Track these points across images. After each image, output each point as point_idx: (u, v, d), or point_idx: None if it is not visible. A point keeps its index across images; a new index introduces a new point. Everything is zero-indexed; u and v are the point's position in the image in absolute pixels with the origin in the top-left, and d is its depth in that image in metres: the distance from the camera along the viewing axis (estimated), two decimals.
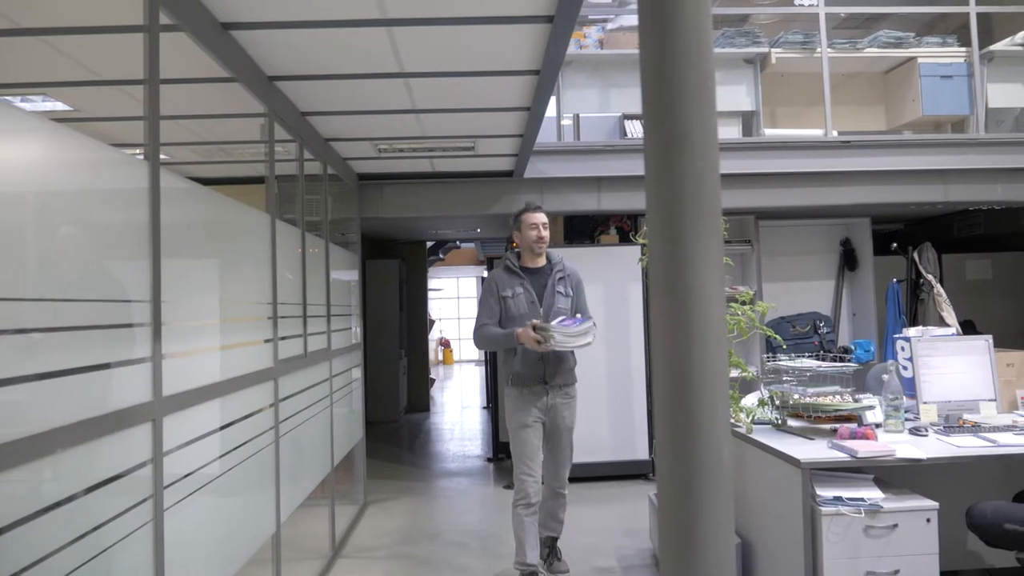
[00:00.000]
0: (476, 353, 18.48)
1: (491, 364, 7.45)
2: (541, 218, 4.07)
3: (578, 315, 4.09)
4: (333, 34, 3.02)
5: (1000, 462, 3.27)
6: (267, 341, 3.30)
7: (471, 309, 19.50)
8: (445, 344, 19.25)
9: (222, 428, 2.67)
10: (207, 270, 2.71)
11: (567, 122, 6.19)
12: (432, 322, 15.01)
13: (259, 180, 3.64)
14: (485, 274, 9.52)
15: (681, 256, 1.21)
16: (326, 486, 4.50)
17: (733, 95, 6.05)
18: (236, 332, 2.98)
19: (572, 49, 5.92)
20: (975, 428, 3.53)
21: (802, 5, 6.27)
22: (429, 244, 11.73)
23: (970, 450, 3.18)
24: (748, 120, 6.11)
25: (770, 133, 6.02)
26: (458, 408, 11.42)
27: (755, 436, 3.58)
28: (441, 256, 13.51)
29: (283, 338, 3.51)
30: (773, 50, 5.94)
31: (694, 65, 1.22)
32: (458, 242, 13.00)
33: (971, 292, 8.04)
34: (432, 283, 15.35)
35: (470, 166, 5.65)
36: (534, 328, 3.82)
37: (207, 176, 5.21)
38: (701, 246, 1.22)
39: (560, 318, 3.99)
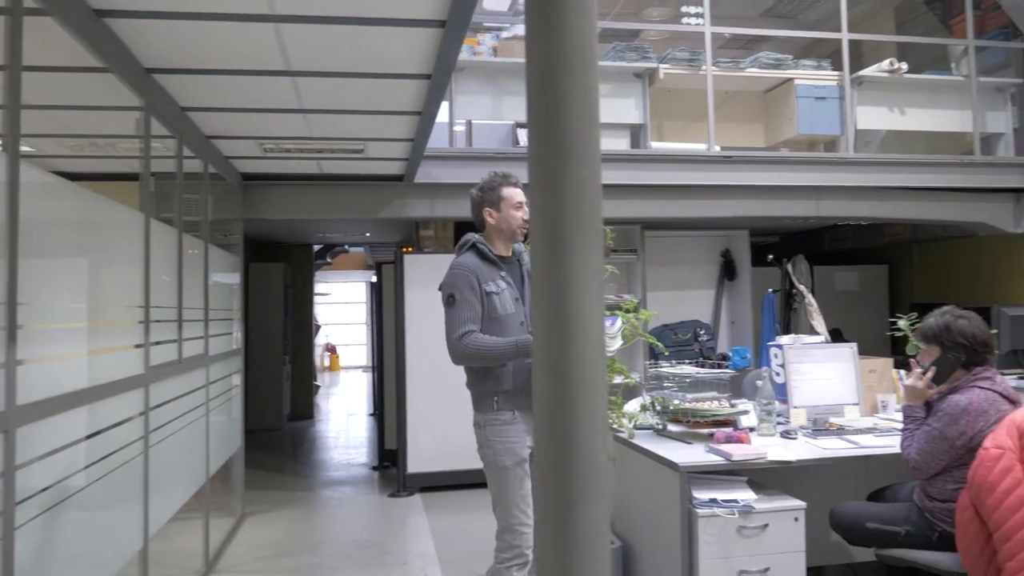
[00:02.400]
0: (364, 359, 18.18)
1: (379, 371, 7.34)
2: (522, 196, 3.24)
3: None
4: (217, 27, 2.91)
5: (861, 462, 3.45)
6: (138, 346, 3.13)
7: (359, 314, 19.20)
8: (331, 350, 18.87)
9: (85, 439, 2.51)
10: (72, 271, 2.55)
11: (459, 128, 6.18)
12: (318, 327, 14.68)
13: (134, 177, 3.46)
14: (374, 279, 9.38)
15: (562, 263, 1.21)
16: (201, 498, 4.32)
17: (622, 108, 6.19)
18: (103, 337, 2.81)
19: (466, 55, 5.92)
20: (840, 431, 3.73)
21: (689, 24, 6.49)
22: (316, 248, 11.48)
23: (834, 452, 3.36)
24: (636, 133, 6.26)
25: (657, 146, 6.20)
26: (344, 415, 11.21)
27: (637, 441, 3.66)
28: (329, 260, 13.24)
29: (156, 343, 3.34)
30: (661, 66, 6.12)
31: (578, 74, 1.22)
32: (346, 246, 12.77)
33: (839, 302, 8.52)
34: (319, 287, 15.02)
35: (359, 169, 5.55)
36: None
37: (77, 171, 4.91)
38: (582, 253, 1.23)
39: None
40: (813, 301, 6.63)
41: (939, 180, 6.41)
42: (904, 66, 6.41)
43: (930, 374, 3.08)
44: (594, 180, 1.27)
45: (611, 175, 5.86)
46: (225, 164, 5.16)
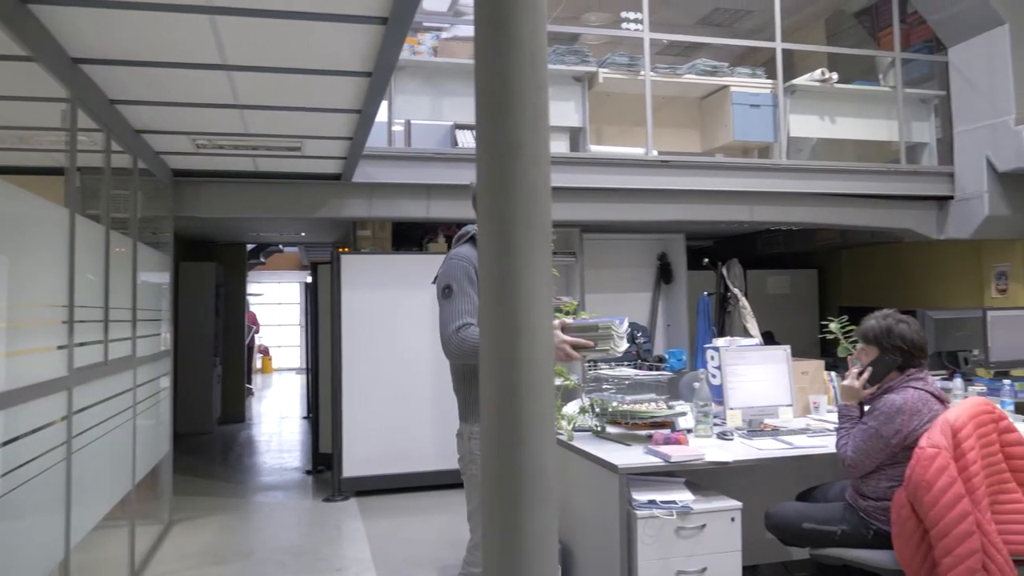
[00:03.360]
0: (297, 360, 17.87)
1: (314, 373, 7.21)
2: None
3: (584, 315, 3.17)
4: (149, 17, 2.80)
5: (795, 462, 3.52)
6: (60, 348, 3.00)
7: (293, 316, 18.88)
8: (263, 352, 18.49)
9: (1, 445, 2.39)
10: None
11: (398, 127, 6.12)
12: (256, 329, 14.39)
13: (59, 172, 3.32)
14: (309, 279, 9.22)
15: (512, 264, 1.19)
16: (126, 505, 4.16)
17: (562, 111, 6.22)
18: (23, 338, 2.68)
19: (406, 55, 5.86)
20: (774, 431, 3.80)
21: (628, 29, 6.56)
22: (250, 247, 11.24)
23: (769, 452, 3.42)
24: (575, 136, 6.30)
25: (596, 149, 6.24)
26: (277, 418, 10.99)
27: (576, 443, 3.66)
28: (262, 260, 12.98)
29: (80, 344, 3.20)
30: (601, 70, 6.17)
31: (528, 74, 1.21)
32: (281, 246, 12.53)
33: (771, 305, 8.72)
34: (252, 288, 14.71)
35: (296, 167, 5.44)
36: (563, 329, 2.71)
37: None
38: (532, 255, 1.21)
39: (588, 316, 3.06)
40: (747, 304, 6.77)
41: (867, 187, 6.62)
42: (835, 76, 6.60)
43: (867, 374, 3.16)
44: (544, 182, 1.26)
45: (552, 177, 5.85)
46: (156, 160, 4.99)
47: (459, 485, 6.14)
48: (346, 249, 6.55)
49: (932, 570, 2.76)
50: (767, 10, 7.15)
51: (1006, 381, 4.30)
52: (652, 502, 3.17)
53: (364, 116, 4.06)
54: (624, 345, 2.69)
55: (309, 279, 9.43)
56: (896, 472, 2.99)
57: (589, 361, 3.42)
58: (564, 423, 3.91)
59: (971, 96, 6.56)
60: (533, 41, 1.22)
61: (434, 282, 3.12)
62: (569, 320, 2.77)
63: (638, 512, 3.12)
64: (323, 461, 6.84)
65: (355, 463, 6.05)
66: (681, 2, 7.72)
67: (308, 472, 7.10)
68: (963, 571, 2.64)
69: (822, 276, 9.44)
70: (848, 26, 7.81)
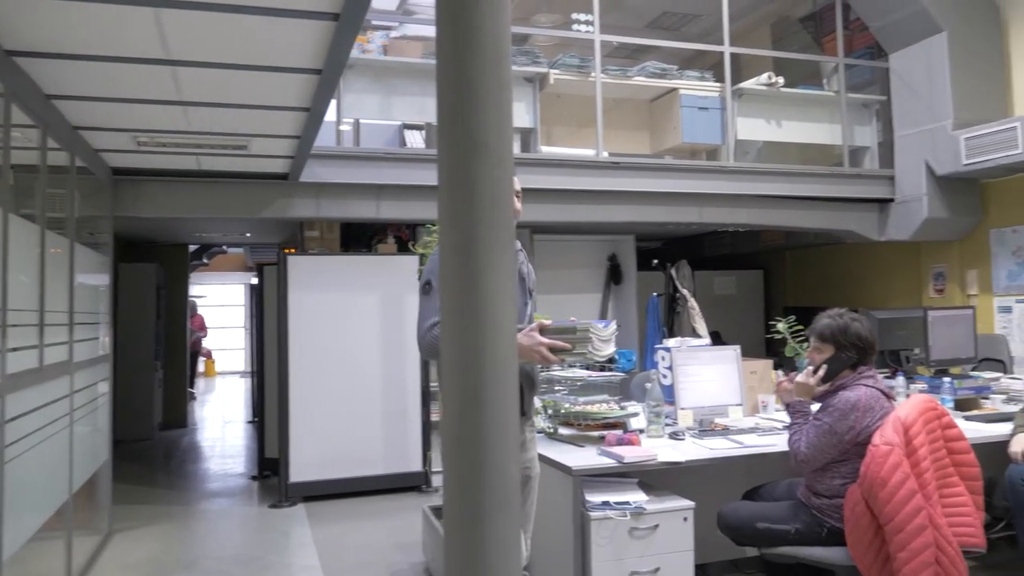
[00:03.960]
0: (242, 363, 17.54)
1: (259, 376, 7.06)
2: (517, 185, 2.85)
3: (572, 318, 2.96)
4: (89, 9, 2.69)
5: (745, 461, 3.56)
6: None
7: (237, 318, 18.51)
8: (207, 355, 18.08)
9: None
10: None
11: (346, 127, 6.03)
12: (203, 333, 14.06)
13: None
14: (254, 281, 9.04)
15: (475, 265, 1.16)
16: (63, 516, 4.00)
17: (514, 111, 6.19)
18: None
19: (355, 53, 5.77)
20: (725, 431, 3.83)
21: (579, 31, 6.57)
22: (192, 248, 10.97)
23: (721, 452, 3.45)
24: (526, 137, 6.28)
25: (546, 150, 6.24)
26: (220, 423, 10.75)
27: None
28: (205, 261, 12.68)
29: (12, 349, 3.07)
30: (551, 71, 6.17)
31: (492, 71, 1.17)
32: (225, 247, 12.27)
33: (718, 306, 8.84)
34: (195, 290, 14.38)
35: (241, 166, 5.32)
36: (540, 331, 2.56)
37: None
38: (495, 255, 1.17)
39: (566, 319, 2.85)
40: (695, 305, 6.84)
41: (811, 190, 6.74)
42: (781, 80, 6.72)
43: (822, 372, 3.21)
44: (507, 180, 1.22)
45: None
46: (94, 157, 4.83)
47: (408, 489, 6.12)
48: (293, 250, 6.43)
49: (885, 565, 2.81)
50: (714, 14, 7.24)
51: (946, 379, 4.41)
52: (606, 503, 3.17)
53: (313, 114, 3.98)
54: (608, 349, 2.57)
55: (254, 281, 9.25)
56: (848, 469, 3.04)
57: (568, 365, 3.38)
58: None
59: (911, 101, 6.74)
60: (497, 37, 1.19)
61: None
62: (547, 321, 2.61)
63: (592, 513, 3.11)
64: (269, 466, 6.71)
65: (302, 468, 5.94)
66: (630, 6, 7.77)
67: (253, 478, 6.95)
68: (917, 565, 2.70)
69: (767, 277, 9.61)
70: (793, 31, 7.97)
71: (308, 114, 4.00)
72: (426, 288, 2.82)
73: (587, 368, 4.24)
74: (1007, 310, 6.72)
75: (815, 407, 3.24)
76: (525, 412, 2.84)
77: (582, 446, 3.60)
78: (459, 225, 1.16)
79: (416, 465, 6.19)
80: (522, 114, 6.23)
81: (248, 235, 9.24)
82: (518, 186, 2.84)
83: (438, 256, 2.83)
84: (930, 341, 4.50)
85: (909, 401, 3.10)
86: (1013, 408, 4.36)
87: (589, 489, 3.21)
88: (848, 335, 3.17)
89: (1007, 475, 3.74)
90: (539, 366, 2.78)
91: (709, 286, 9.02)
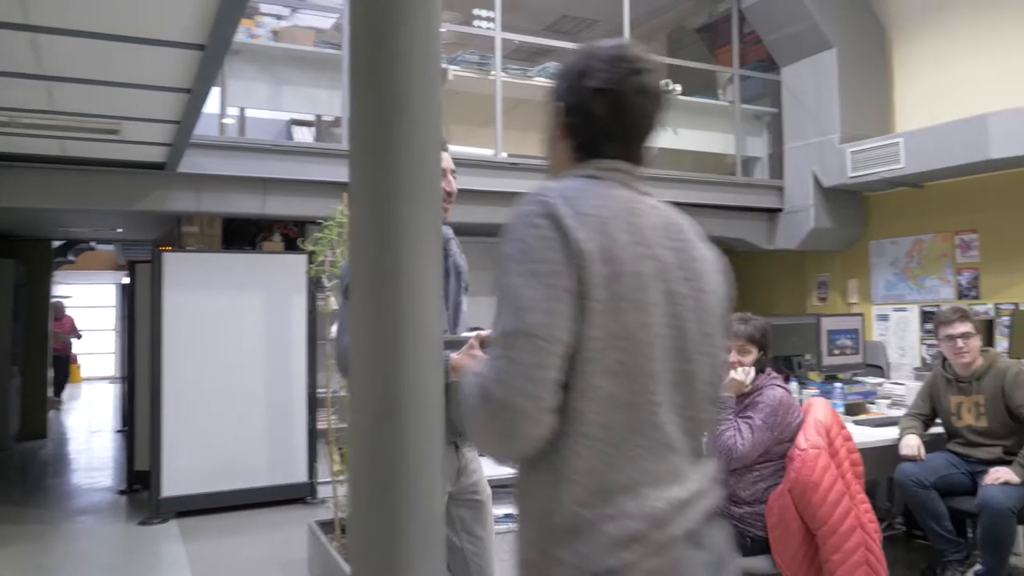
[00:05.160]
0: (111, 368, 16.49)
1: (130, 382, 6.55)
2: (449, 161, 2.48)
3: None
4: None
5: None
6: None
7: (107, 320, 17.41)
8: (72, 359, 16.90)
9: None
10: None
11: (229, 121, 5.65)
12: (76, 337, 13.09)
13: None
14: (126, 281, 8.44)
15: (394, 249, 0.95)
16: None
17: None
18: None
19: (243, 37, 5.42)
20: None
21: (480, 27, 6.42)
22: (57, 244, 10.17)
23: None
24: None
25: None
26: (86, 433, 10.00)
27: None
28: (71, 258, 11.80)
29: None
30: (451, 67, 5.98)
31: (419, 8, 0.98)
32: (93, 243, 11.45)
33: None
34: (59, 290, 13.39)
35: (113, 153, 4.87)
36: (482, 345, 2.17)
37: None
38: (419, 235, 0.97)
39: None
40: None
41: (706, 197, 6.82)
42: (679, 88, 6.77)
43: (752, 373, 3.18)
44: (433, 147, 1.03)
45: None
46: None
47: (292, 501, 5.79)
48: (169, 247, 5.99)
49: (812, 569, 2.78)
50: (611, 21, 7.24)
51: (837, 384, 4.50)
52: (508, 516, 3.01)
53: (195, 96, 3.65)
54: None
55: (126, 280, 8.63)
56: (769, 472, 3.01)
57: None
58: None
59: (800, 114, 6.93)
60: None
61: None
62: (487, 333, 2.10)
63: (497, 527, 2.94)
64: (139, 479, 6.21)
65: (176, 481, 5.51)
66: (529, 7, 7.68)
67: (122, 492, 6.43)
68: (851, 566, 2.71)
69: None
70: (688, 42, 8.08)
71: (189, 96, 3.67)
72: (348, 292, 2.33)
73: None
74: (884, 318, 6.99)
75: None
76: (463, 432, 2.18)
77: (481, 455, 3.42)
78: (374, 201, 0.95)
79: (301, 476, 5.86)
80: None
81: (120, 230, 8.61)
82: (450, 163, 2.48)
83: None
84: (822, 347, 4.57)
85: (817, 404, 3.11)
86: (897, 412, 4.49)
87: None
88: (768, 337, 3.21)
89: (896, 477, 3.82)
90: None
91: None
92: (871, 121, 6.66)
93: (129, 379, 6.68)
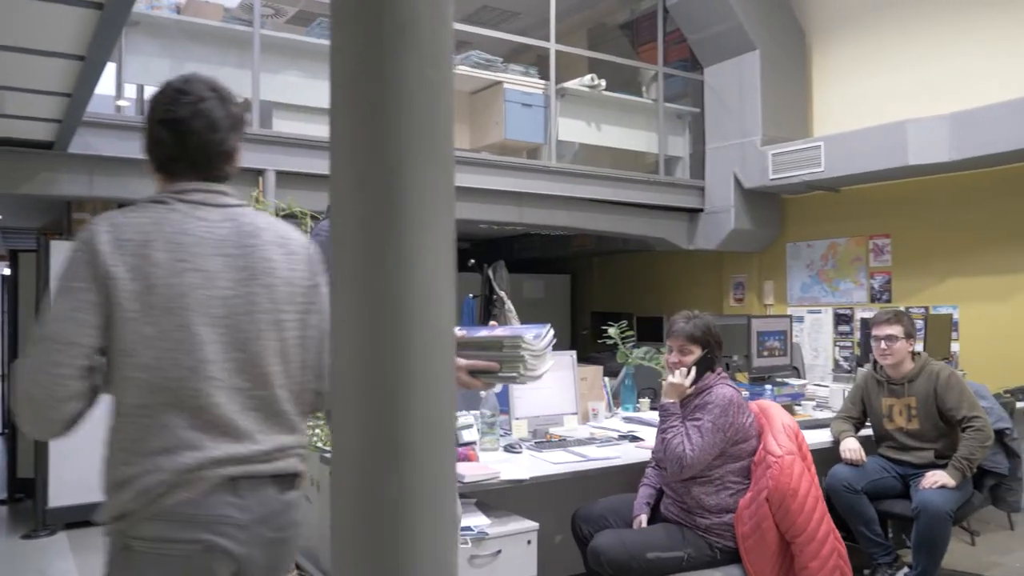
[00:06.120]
0: None
1: (5, 379, 5.98)
2: None
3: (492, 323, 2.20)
4: None
5: (582, 476, 3.30)
6: None
7: None
8: None
9: None
10: None
11: (125, 103, 5.18)
12: None
13: None
14: (7, 272, 7.76)
15: (396, 223, 0.72)
16: None
17: (324, 92, 5.65)
18: None
19: (143, 8, 4.99)
20: (562, 442, 3.58)
21: None
22: None
23: (566, 466, 3.18)
24: None
25: None
26: None
27: None
28: None
29: None
30: None
31: None
32: None
33: (526, 309, 8.70)
34: None
35: None
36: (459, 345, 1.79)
37: None
38: (430, 210, 0.76)
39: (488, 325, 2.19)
40: (512, 307, 6.62)
41: (629, 196, 6.75)
42: (603, 83, 6.67)
43: (693, 374, 3.04)
44: (447, 91, 0.81)
45: (308, 164, 5.31)
46: None
47: None
48: (58, 235, 5.49)
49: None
50: (533, 14, 7.10)
51: (768, 385, 4.45)
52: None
53: (90, 65, 3.27)
54: (544, 365, 1.91)
55: (7, 271, 7.94)
56: (731, 479, 2.89)
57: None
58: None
59: (723, 115, 6.94)
60: None
61: None
62: (462, 333, 1.89)
63: None
64: (22, 488, 5.69)
65: (65, 489, 5.03)
66: None
67: (2, 502, 5.88)
68: (828, 572, 2.63)
69: (574, 281, 9.65)
70: (609, 39, 8.00)
71: (83, 64, 3.28)
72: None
73: None
74: (799, 320, 7.08)
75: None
76: None
77: None
78: (371, 157, 0.72)
79: None
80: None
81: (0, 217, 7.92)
82: None
83: (322, 242, 2.01)
84: (752, 348, 4.52)
85: (773, 406, 3.04)
86: (822, 414, 4.49)
87: None
88: (712, 335, 3.08)
89: (828, 481, 3.78)
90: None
91: (519, 289, 8.88)
92: (791, 124, 6.73)
93: (10, 378, 6.11)
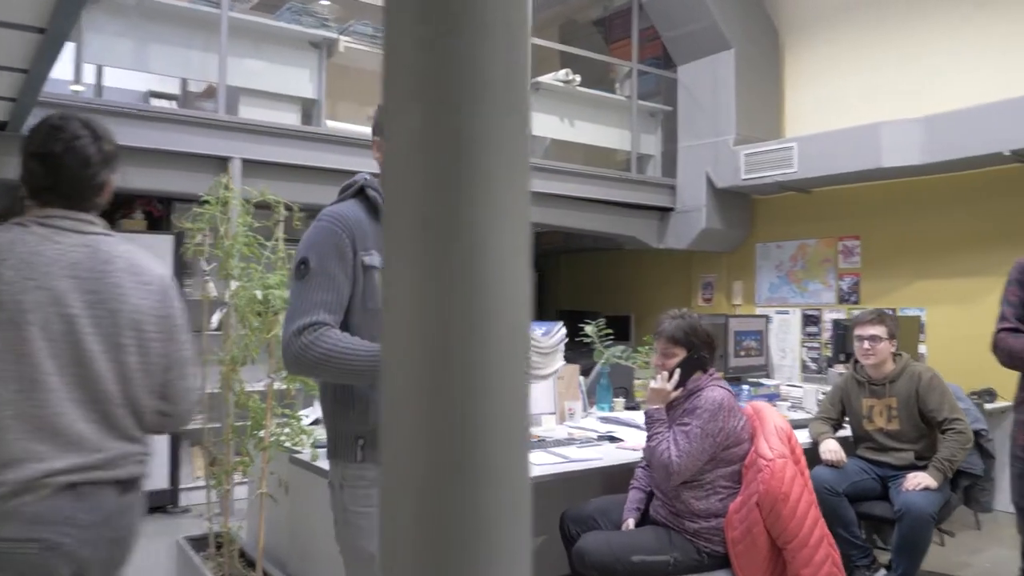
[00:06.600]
0: None
1: None
2: None
3: None
4: None
5: (565, 478, 3.21)
6: None
7: None
8: None
9: None
10: None
11: (80, 88, 4.95)
12: None
13: None
14: None
15: (467, 197, 0.61)
16: None
17: (294, 79, 5.49)
18: None
19: None
20: (541, 443, 3.48)
21: None
22: None
23: (550, 467, 3.08)
24: (309, 109, 5.59)
25: (332, 125, 5.59)
26: None
27: (321, 463, 3.04)
28: None
29: None
30: (342, 37, 5.53)
31: None
32: None
33: None
34: None
35: None
36: None
37: None
38: (507, 183, 0.64)
39: None
40: None
41: (601, 193, 6.68)
42: (578, 78, 6.59)
43: (676, 376, 2.94)
44: (524, 33, 0.70)
45: (280, 152, 5.14)
46: None
47: (153, 510, 5.17)
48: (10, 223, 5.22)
49: None
50: None
51: (744, 386, 4.41)
52: None
53: (50, 38, 3.07)
54: (554, 364, 1.86)
55: None
56: (725, 483, 2.81)
57: None
58: (305, 438, 3.27)
59: (696, 114, 6.91)
60: None
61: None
62: None
63: None
64: None
65: None
66: None
67: None
68: None
69: (541, 279, 9.57)
70: (581, 35, 7.93)
71: (43, 38, 3.09)
72: (301, 270, 1.93)
73: None
74: (768, 320, 7.09)
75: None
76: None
77: None
78: (440, 108, 0.60)
79: (162, 482, 5.24)
80: (304, 82, 5.54)
81: None
82: None
83: (324, 222, 1.93)
84: (729, 348, 4.48)
85: (767, 408, 2.97)
86: (796, 415, 4.46)
87: None
88: (698, 335, 2.96)
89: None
90: None
91: None
92: (764, 124, 6.73)
93: None
